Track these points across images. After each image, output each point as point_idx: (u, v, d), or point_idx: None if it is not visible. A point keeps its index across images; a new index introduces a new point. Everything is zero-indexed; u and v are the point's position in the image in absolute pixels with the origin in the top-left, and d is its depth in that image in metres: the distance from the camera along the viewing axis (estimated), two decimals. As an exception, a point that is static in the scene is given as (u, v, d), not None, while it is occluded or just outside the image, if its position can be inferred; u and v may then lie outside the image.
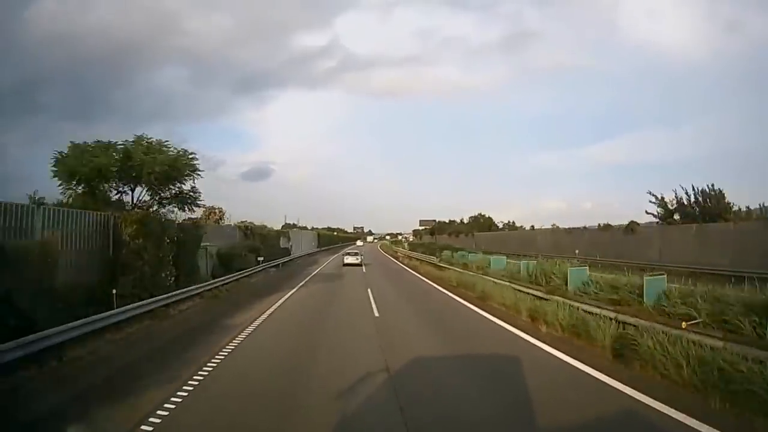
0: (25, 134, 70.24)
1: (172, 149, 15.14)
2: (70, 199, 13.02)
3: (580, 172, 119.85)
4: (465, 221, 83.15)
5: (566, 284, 11.77)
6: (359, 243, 70.57)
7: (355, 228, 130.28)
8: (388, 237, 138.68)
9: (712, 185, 30.71)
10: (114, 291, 9.81)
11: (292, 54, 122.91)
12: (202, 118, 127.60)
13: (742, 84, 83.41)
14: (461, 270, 21.39)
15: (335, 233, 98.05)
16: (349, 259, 31.46)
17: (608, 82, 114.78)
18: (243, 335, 9.54)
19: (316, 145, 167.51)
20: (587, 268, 12.73)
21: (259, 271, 23.39)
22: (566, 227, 44.41)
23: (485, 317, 11.74)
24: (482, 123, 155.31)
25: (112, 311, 9.40)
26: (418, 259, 34.61)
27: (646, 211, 33.10)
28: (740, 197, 44.35)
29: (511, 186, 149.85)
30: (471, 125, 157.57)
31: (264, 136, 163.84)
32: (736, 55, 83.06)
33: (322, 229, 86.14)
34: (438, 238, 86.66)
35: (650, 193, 32.80)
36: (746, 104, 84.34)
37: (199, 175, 15.84)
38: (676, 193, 31.58)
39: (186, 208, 16.15)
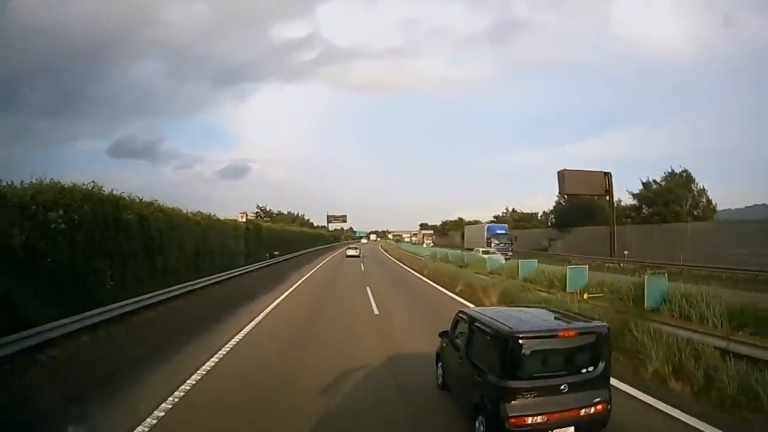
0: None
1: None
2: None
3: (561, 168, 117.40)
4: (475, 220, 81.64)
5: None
6: (351, 252, 46.15)
7: (330, 221, 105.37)
8: (373, 236, 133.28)
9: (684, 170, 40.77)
10: None
11: (272, 46, 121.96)
12: (180, 113, 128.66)
13: (726, 83, 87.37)
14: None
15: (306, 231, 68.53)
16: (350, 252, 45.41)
17: (597, 78, 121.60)
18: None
19: (295, 142, 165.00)
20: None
21: None
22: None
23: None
24: (469, 119, 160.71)
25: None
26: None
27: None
28: (727, 196, 48.46)
29: (496, 184, 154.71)
30: (457, 121, 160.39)
31: (242, 133, 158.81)
32: (723, 54, 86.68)
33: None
34: (443, 239, 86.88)
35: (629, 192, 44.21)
36: (732, 103, 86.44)
37: None
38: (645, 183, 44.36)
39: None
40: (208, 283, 18.12)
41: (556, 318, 5.51)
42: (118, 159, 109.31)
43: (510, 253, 35.75)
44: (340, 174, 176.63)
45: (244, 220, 28.31)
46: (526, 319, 5.36)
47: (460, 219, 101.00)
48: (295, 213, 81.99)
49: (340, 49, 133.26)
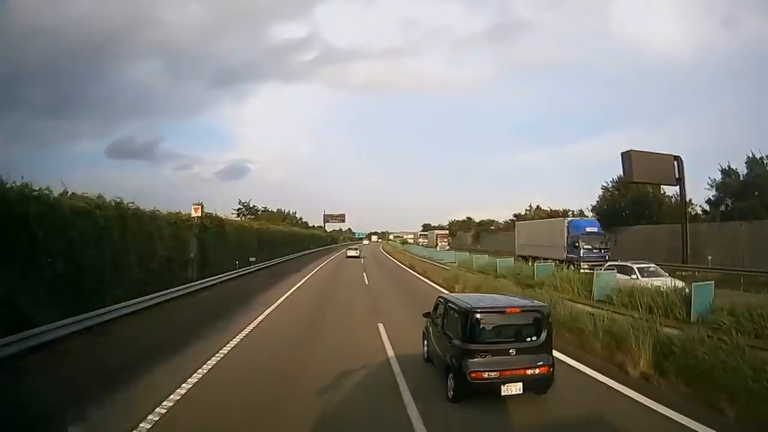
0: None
1: None
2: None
3: (563, 169, 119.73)
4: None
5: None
6: (351, 252, 46.36)
7: (328, 220, 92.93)
8: (374, 237, 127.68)
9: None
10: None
11: (271, 46, 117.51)
12: (178, 114, 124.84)
13: (727, 83, 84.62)
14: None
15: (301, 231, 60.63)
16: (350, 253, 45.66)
17: (596, 79, 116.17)
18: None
19: (294, 143, 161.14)
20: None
21: None
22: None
23: None
24: (468, 119, 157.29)
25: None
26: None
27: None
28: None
29: (494, 184, 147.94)
30: (456, 121, 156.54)
31: (241, 134, 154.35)
32: (723, 54, 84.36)
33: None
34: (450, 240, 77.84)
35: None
36: (733, 103, 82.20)
37: None
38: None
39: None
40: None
41: (509, 300, 7.46)
42: (117, 160, 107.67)
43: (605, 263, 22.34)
44: (339, 175, 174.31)
45: (198, 214, 19.91)
46: (485, 300, 7.39)
47: (469, 218, 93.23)
48: (286, 210, 71.89)
49: (340, 50, 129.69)
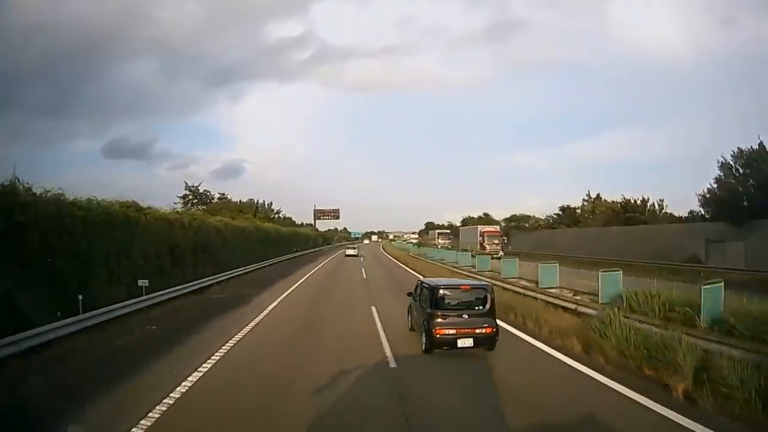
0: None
1: None
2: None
3: (558, 170, 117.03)
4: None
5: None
6: (350, 252, 45.32)
7: (319, 217, 77.85)
8: (375, 237, 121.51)
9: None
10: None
11: (267, 45, 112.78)
12: (173, 113, 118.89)
13: (727, 83, 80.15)
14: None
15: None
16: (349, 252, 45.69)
17: (594, 78, 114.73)
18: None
19: (290, 142, 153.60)
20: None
21: None
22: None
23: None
24: (466, 118, 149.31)
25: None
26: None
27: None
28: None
29: (491, 185, 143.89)
30: (454, 121, 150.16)
31: (237, 133, 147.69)
32: (722, 54, 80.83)
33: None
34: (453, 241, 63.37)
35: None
36: (733, 103, 76.02)
37: None
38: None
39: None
40: None
41: (464, 280, 11.08)
42: (112, 159, 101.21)
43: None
44: (335, 174, 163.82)
45: None
46: (448, 281, 10.63)
47: (486, 214, 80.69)
48: (260, 201, 53.30)
49: (336, 48, 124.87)
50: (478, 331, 8.10)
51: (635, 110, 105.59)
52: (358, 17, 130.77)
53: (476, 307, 8.45)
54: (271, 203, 56.55)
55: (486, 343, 8.24)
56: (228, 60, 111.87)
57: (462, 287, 8.98)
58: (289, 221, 62.91)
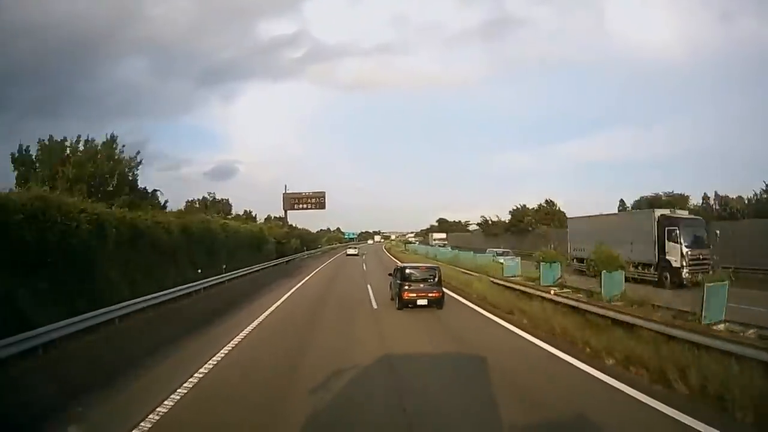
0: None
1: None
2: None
3: (551, 169, 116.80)
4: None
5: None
6: (351, 251, 52.60)
7: (292, 205, 49.50)
8: (377, 237, 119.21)
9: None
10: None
11: (259, 44, 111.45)
12: (166, 114, 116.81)
13: (726, 83, 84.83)
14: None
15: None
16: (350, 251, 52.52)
17: (593, 78, 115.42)
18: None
19: (283, 142, 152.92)
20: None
21: None
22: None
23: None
24: (462, 118, 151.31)
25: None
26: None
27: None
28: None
29: (482, 184, 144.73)
30: (450, 121, 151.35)
31: (230, 134, 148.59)
32: (721, 54, 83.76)
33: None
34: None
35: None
36: (718, 105, 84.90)
37: None
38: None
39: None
40: None
41: (423, 263, 18.32)
42: None
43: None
44: (329, 175, 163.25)
45: None
46: (413, 263, 16.19)
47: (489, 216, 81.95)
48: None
49: (329, 47, 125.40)
50: (430, 295, 12.97)
51: (635, 110, 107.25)
52: (352, 15, 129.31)
53: (429, 279, 13.44)
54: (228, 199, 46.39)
55: (436, 303, 13.00)
56: (220, 59, 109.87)
57: (421, 267, 14.46)
58: (224, 213, 41.63)
